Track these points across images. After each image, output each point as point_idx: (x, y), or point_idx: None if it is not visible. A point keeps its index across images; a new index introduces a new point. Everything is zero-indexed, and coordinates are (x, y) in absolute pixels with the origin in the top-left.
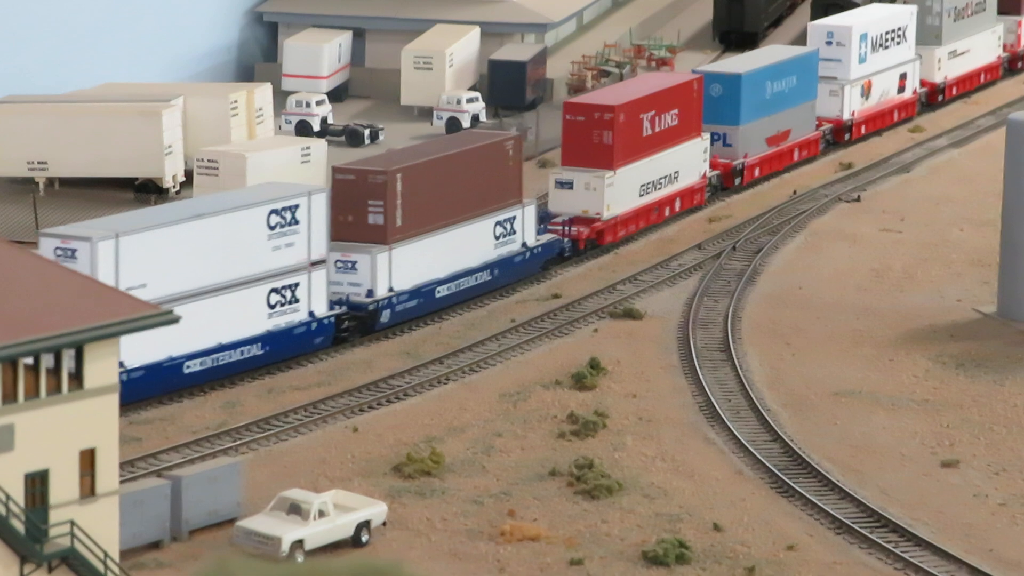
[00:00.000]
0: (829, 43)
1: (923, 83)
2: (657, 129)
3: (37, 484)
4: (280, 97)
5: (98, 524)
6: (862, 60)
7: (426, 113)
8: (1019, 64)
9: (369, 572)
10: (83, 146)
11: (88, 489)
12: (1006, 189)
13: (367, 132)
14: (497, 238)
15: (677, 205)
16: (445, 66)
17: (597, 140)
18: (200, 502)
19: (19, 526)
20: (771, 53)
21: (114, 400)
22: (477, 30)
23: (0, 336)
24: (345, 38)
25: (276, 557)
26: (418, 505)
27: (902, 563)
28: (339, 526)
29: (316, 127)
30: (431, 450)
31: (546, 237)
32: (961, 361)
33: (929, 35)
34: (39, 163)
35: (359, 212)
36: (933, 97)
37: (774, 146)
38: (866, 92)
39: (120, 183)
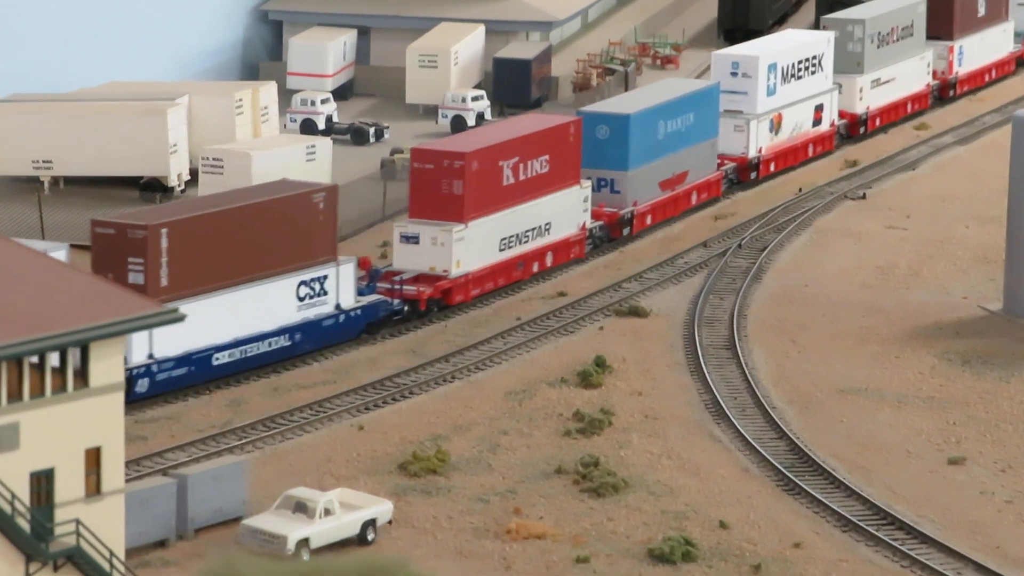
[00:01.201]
0: (734, 74)
1: (842, 114)
2: (522, 177)
3: (42, 483)
4: (285, 95)
5: (103, 523)
6: (771, 92)
7: (431, 111)
8: (950, 92)
9: (374, 569)
10: (88, 145)
11: (93, 488)
12: (1012, 186)
13: (372, 130)
14: (302, 299)
15: (549, 259)
16: (450, 64)
17: (447, 190)
18: (206, 501)
19: (24, 525)
20: (666, 88)
21: (119, 399)
22: (482, 28)
23: (5, 335)
24: (350, 36)
25: (282, 555)
26: (424, 503)
27: (908, 560)
28: (345, 524)
29: (321, 125)
30: (437, 448)
31: (370, 298)
32: (967, 358)
33: (850, 63)
34: (44, 162)
35: (119, 270)
36: (854, 129)
37: (668, 190)
38: (775, 127)
39: (125, 182)
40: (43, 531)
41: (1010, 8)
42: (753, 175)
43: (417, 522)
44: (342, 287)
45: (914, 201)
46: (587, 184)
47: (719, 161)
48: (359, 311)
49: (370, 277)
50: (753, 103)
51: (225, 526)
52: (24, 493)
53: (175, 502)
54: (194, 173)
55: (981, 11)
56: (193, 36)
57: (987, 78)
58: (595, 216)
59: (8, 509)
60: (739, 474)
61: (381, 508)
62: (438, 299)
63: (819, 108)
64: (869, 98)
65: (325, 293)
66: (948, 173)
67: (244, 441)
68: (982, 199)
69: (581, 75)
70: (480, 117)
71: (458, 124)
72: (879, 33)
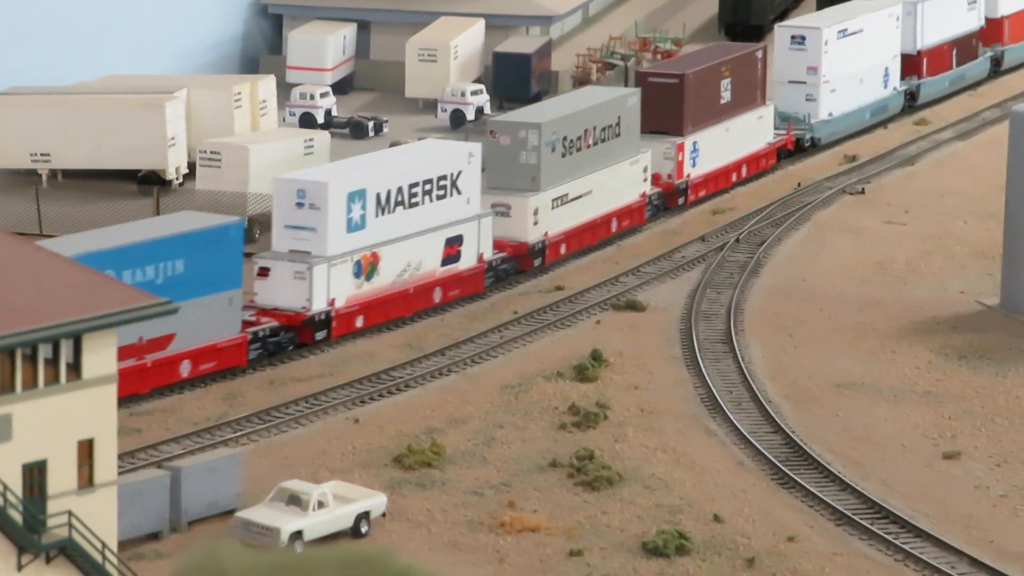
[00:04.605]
0: (300, 204)
1: (501, 246)
2: None
3: (35, 474)
4: (284, 89)
5: (96, 514)
6: (356, 227)
7: (430, 106)
8: (680, 200)
9: (358, 561)
10: (86, 138)
11: (86, 479)
12: (1009, 181)
13: (371, 124)
14: None
15: None
16: (450, 58)
17: None
18: (199, 493)
19: (17, 516)
20: (143, 228)
21: (112, 390)
22: (482, 22)
23: None
24: (350, 30)
25: (274, 548)
26: (418, 496)
27: (902, 554)
28: (338, 517)
29: (320, 119)
30: (432, 441)
31: None
32: (963, 353)
33: (523, 178)
34: (42, 155)
35: None
36: (525, 263)
37: (130, 360)
38: (366, 270)
39: (123, 175)
40: (35, 523)
41: (769, 90)
42: (321, 334)
43: (411, 515)
44: None
45: (913, 196)
46: None
47: (253, 319)
48: None
49: None
50: (323, 242)
51: (219, 518)
52: (16, 485)
53: (169, 494)
54: (192, 166)
55: (725, 97)
56: (192, 30)
57: (734, 177)
58: None
59: (0, 501)
60: (734, 468)
61: (375, 501)
62: None
63: (455, 241)
64: (549, 221)
65: None
66: (947, 169)
67: (239, 434)
68: (981, 195)
69: (581, 70)
70: (480, 111)
71: (457, 118)
72: (563, 139)
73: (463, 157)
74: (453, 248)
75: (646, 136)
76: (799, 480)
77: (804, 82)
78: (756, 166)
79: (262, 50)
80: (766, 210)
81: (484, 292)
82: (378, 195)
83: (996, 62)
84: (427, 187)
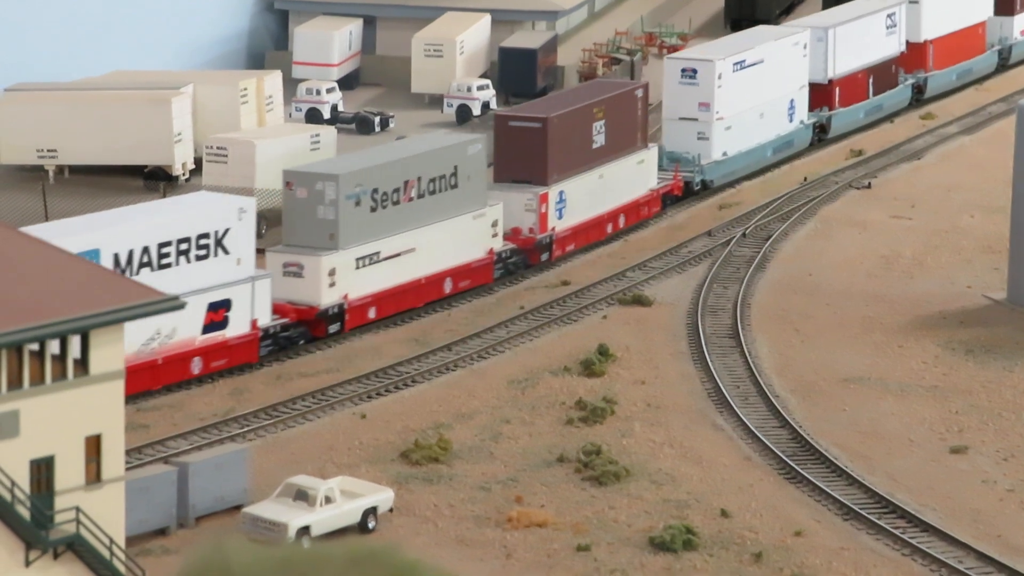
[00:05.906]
0: None
1: (283, 311)
2: None
3: (42, 470)
4: (291, 85)
5: (104, 510)
6: None
7: (436, 101)
8: (542, 257)
9: (365, 556)
10: (93, 134)
11: (94, 475)
12: (1016, 176)
13: (377, 120)
14: None
15: None
16: (456, 54)
17: None
18: (207, 489)
19: (24, 512)
20: None
21: (120, 386)
22: (488, 17)
23: (5, 322)
24: (356, 26)
25: (282, 543)
26: (425, 491)
27: (910, 549)
28: (345, 512)
29: (326, 115)
30: (439, 436)
31: None
32: (970, 347)
33: (319, 235)
34: (49, 151)
35: None
36: (317, 329)
37: None
38: None
39: (130, 171)
40: (43, 519)
41: (651, 130)
42: None
43: (418, 510)
44: None
45: (919, 191)
46: None
47: None
48: None
49: None
50: None
51: (226, 514)
52: (24, 481)
53: (176, 490)
54: (198, 162)
55: (598, 141)
56: (199, 25)
57: (610, 228)
58: None
59: (8, 497)
60: (741, 463)
61: (382, 496)
62: None
63: (221, 306)
64: (351, 283)
65: None
66: (953, 163)
67: (246, 429)
68: (987, 189)
69: (587, 65)
70: (485, 106)
71: (463, 113)
72: (376, 191)
73: (232, 213)
74: (218, 314)
75: (505, 186)
76: (806, 475)
77: (695, 119)
78: (636, 215)
79: (268, 46)
80: (772, 204)
81: (260, 362)
82: (116, 256)
83: (919, 90)
84: (183, 247)
